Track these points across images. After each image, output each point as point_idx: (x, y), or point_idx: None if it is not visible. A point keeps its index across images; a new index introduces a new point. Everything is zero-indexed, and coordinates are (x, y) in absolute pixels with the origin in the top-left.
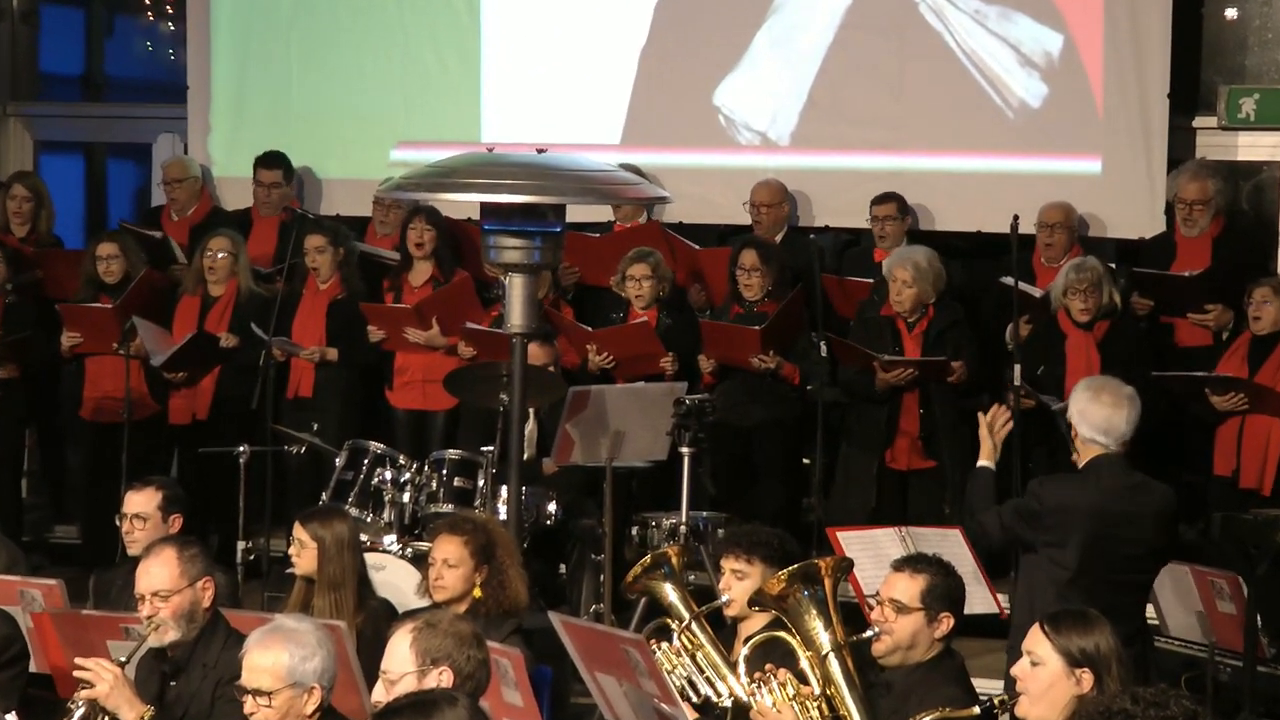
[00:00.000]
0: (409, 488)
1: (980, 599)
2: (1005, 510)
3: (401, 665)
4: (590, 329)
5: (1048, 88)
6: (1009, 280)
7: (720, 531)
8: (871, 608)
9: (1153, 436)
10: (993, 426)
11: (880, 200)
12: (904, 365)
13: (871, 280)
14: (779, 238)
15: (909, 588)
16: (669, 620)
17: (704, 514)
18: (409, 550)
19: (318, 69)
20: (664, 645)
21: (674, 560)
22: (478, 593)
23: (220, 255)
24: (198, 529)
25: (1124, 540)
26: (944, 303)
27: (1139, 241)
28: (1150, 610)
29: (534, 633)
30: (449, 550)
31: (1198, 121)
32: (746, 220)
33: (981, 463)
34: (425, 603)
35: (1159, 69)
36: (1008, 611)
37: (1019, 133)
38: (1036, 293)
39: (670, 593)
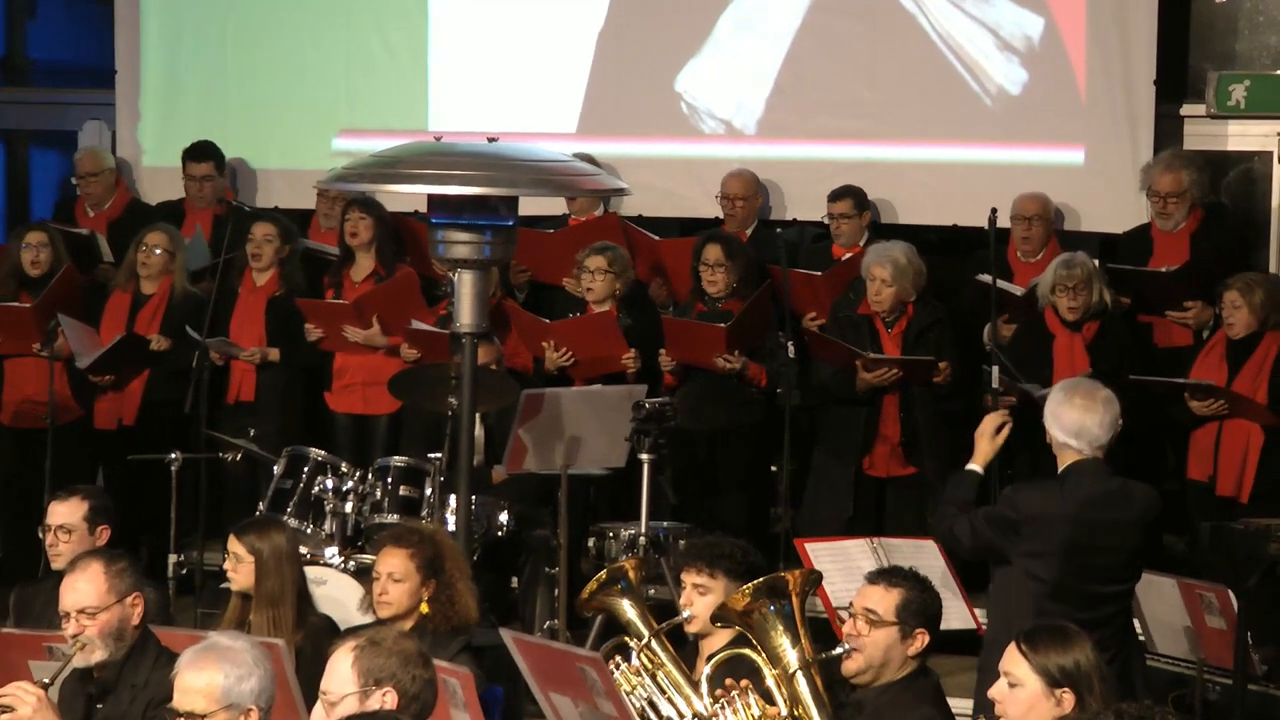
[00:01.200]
0: (352, 497)
1: (956, 614)
2: (978, 518)
3: (342, 686)
4: (547, 321)
5: (1028, 74)
6: (987, 278)
7: (681, 543)
8: (842, 622)
9: (1127, 440)
10: (987, 431)
11: (835, 196)
12: (888, 365)
13: (819, 273)
14: (749, 232)
15: (884, 599)
16: (627, 638)
17: (664, 524)
18: (352, 563)
19: (256, 52)
20: (623, 664)
21: (631, 574)
22: (425, 608)
23: (157, 251)
24: (126, 541)
25: (1105, 549)
26: (924, 301)
27: (1120, 236)
28: (1135, 625)
29: (484, 650)
30: (394, 564)
31: (1185, 109)
32: (709, 213)
33: (971, 465)
34: (369, 619)
35: (1145, 54)
36: (984, 625)
37: (998, 121)
38: (1016, 290)
39: (628, 609)
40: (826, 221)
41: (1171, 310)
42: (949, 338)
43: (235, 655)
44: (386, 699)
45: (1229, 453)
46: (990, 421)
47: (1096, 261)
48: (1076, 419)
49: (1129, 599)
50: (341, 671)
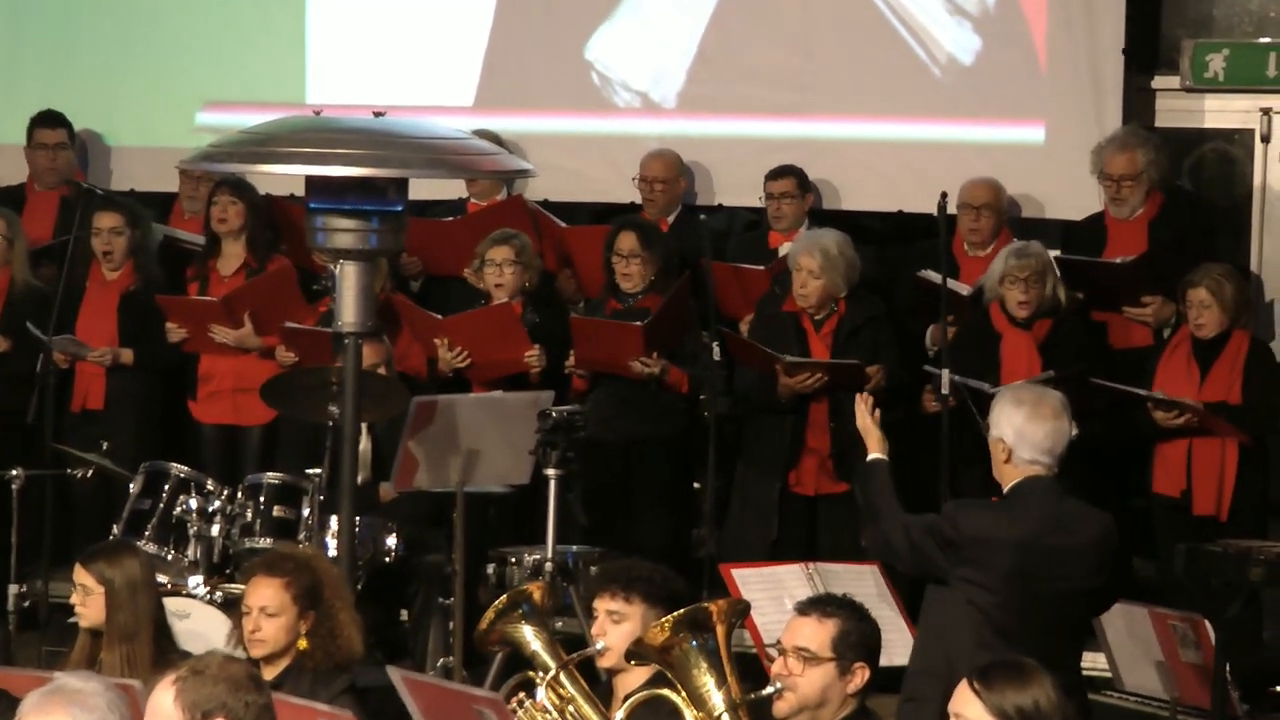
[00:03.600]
0: (218, 518)
1: (901, 647)
2: (915, 526)
3: None
4: (439, 317)
5: (981, 41)
6: (932, 275)
7: (593, 569)
8: (772, 659)
9: (1088, 451)
10: (867, 420)
11: (775, 175)
12: (810, 369)
13: (763, 267)
14: (671, 219)
15: (817, 634)
16: (532, 672)
17: (573, 548)
18: (218, 594)
19: (109, 14)
20: (526, 702)
21: (536, 598)
22: (303, 644)
23: None
24: None
25: (1056, 578)
26: (858, 296)
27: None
28: (1099, 659)
29: (370, 692)
30: (266, 595)
31: (1157, 81)
32: (625, 197)
33: (873, 455)
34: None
35: (1113, 19)
36: (913, 651)
37: (948, 94)
38: (963, 289)
39: (532, 639)
40: (763, 204)
41: (1129, 306)
42: (885, 337)
43: (86, 699)
44: None
45: (1204, 466)
46: (864, 410)
47: (1056, 252)
48: (1048, 432)
49: (1079, 637)
50: (164, 708)
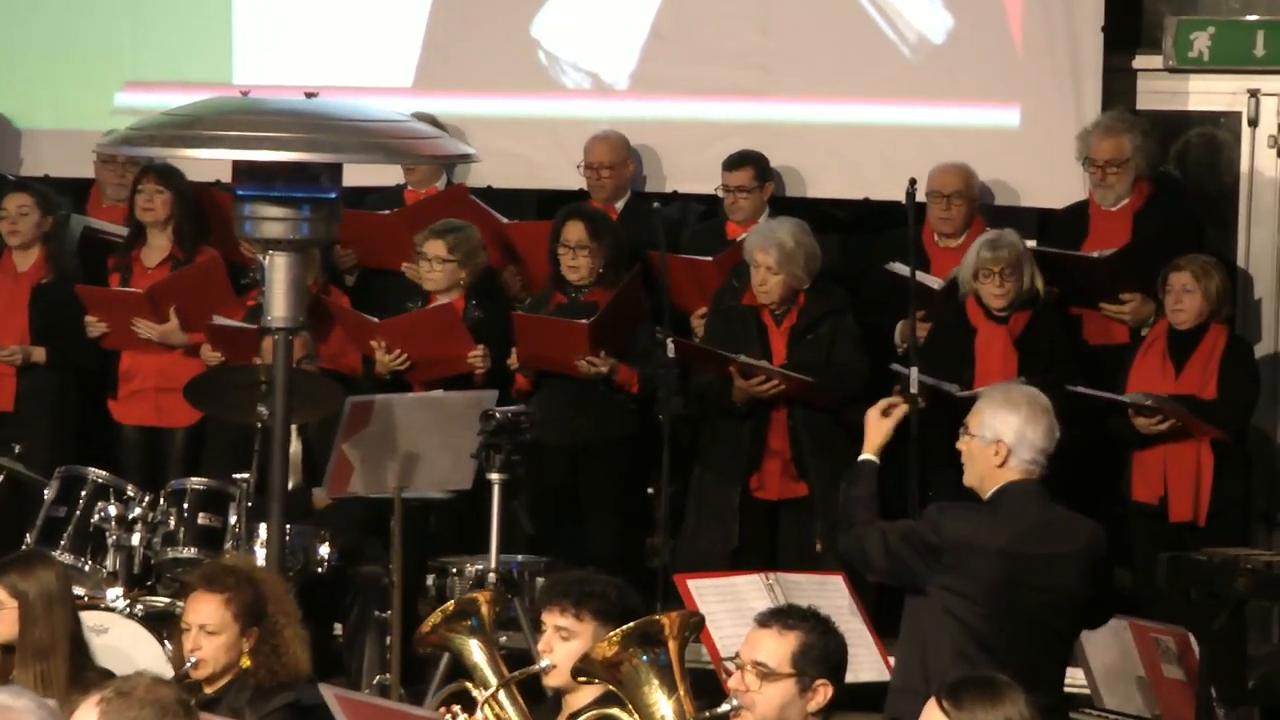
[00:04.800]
0: (139, 527)
1: (867, 663)
2: (894, 533)
3: None
4: (375, 319)
5: (954, 19)
6: (900, 268)
7: (539, 580)
8: (730, 673)
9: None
10: (874, 415)
11: (732, 164)
12: (767, 374)
13: (717, 259)
14: (619, 206)
15: (777, 648)
16: (471, 685)
17: (518, 558)
18: (139, 607)
19: None
20: (460, 715)
21: (484, 609)
22: (246, 662)
23: None
24: None
25: (1041, 589)
26: (819, 288)
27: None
28: (1078, 676)
29: (315, 710)
30: (206, 612)
31: (1139, 61)
32: (574, 184)
33: (864, 456)
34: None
35: None
36: (894, 669)
37: (918, 75)
38: (933, 282)
39: (476, 651)
40: (720, 194)
41: (1106, 303)
42: (845, 332)
43: (18, 717)
44: None
45: (1179, 471)
46: (879, 405)
47: (1032, 243)
48: (1045, 431)
49: (1066, 652)
50: None
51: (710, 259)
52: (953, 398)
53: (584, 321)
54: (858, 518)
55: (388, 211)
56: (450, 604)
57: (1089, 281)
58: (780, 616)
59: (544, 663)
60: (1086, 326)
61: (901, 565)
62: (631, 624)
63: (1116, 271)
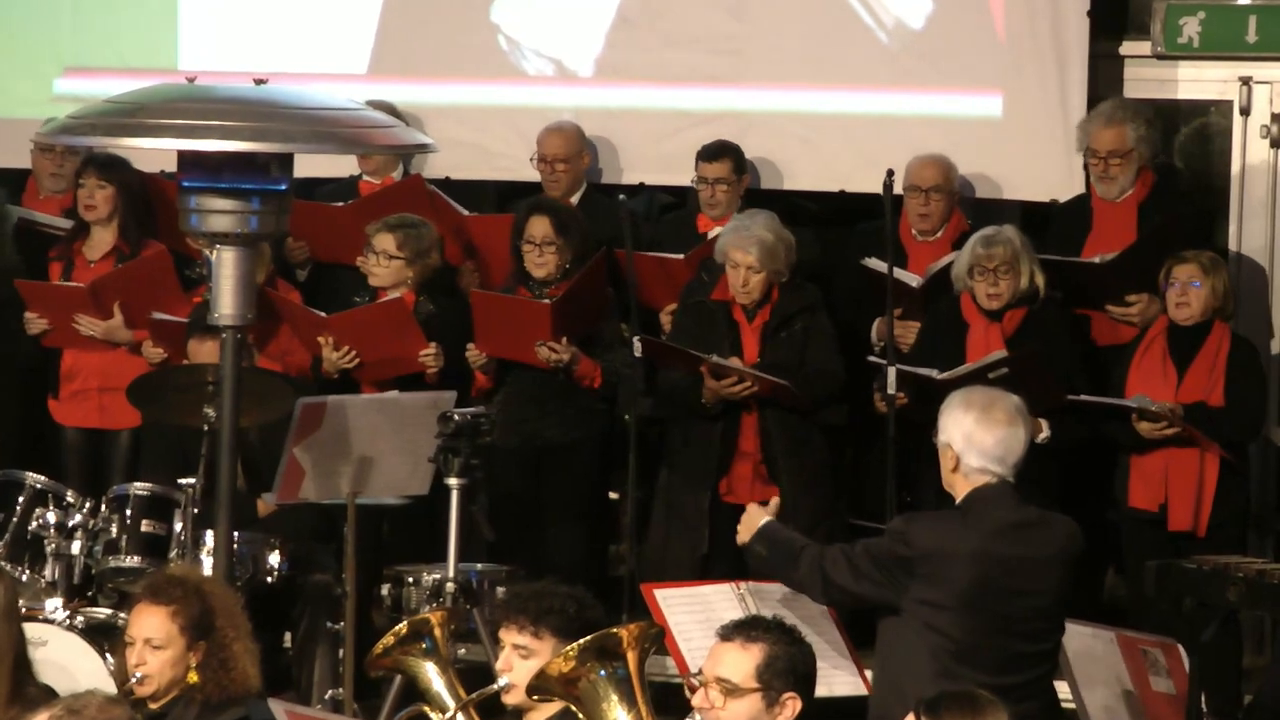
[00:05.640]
0: (80, 534)
1: (842, 674)
2: (859, 555)
3: None
4: (323, 314)
5: (933, 3)
6: (876, 264)
7: (499, 590)
8: (693, 689)
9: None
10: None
11: (711, 156)
12: (739, 375)
13: (685, 256)
14: (575, 199)
15: (740, 662)
16: (428, 708)
17: (478, 567)
18: (80, 619)
19: None
20: None
21: (437, 630)
22: (193, 677)
23: None
24: None
25: (1020, 594)
26: (792, 284)
27: (1049, 206)
28: (1061, 689)
29: None
30: (151, 626)
31: (1126, 47)
32: (535, 176)
33: (761, 524)
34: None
35: None
36: (872, 690)
37: (895, 62)
38: (911, 279)
39: (432, 674)
40: (697, 187)
41: (1112, 305)
42: (819, 330)
43: None
44: None
45: (1182, 478)
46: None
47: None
48: (1000, 438)
49: (1051, 661)
50: None
51: (681, 256)
52: (934, 383)
53: (546, 302)
54: (798, 554)
55: (341, 204)
56: (403, 625)
57: (1092, 285)
58: (743, 629)
59: (502, 681)
60: (1094, 327)
61: (872, 584)
62: (588, 638)
63: (1120, 273)
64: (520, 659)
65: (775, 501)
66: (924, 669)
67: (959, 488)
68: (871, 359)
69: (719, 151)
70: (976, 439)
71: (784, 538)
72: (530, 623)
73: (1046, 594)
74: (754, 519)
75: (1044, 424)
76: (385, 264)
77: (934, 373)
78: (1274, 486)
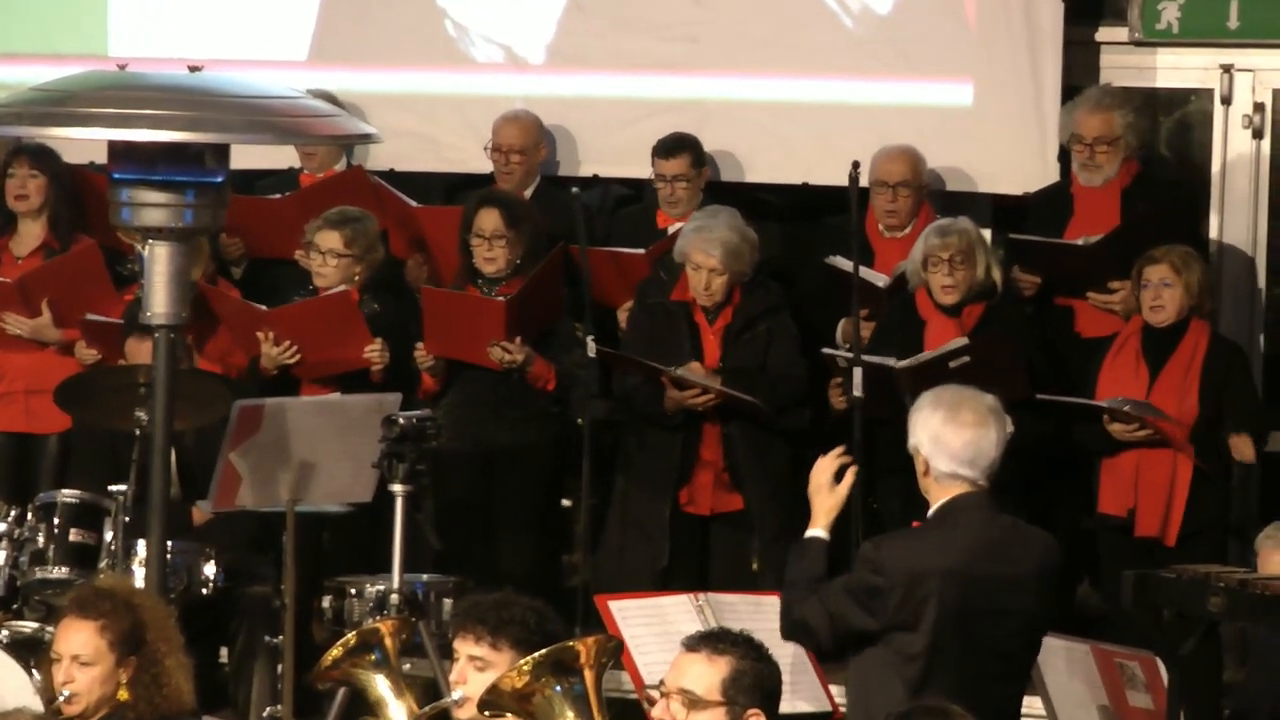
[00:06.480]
0: (5, 544)
1: (806, 692)
2: (833, 595)
3: None
4: (263, 308)
5: None
6: (842, 262)
7: (446, 602)
8: (652, 702)
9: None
10: (823, 482)
11: (667, 151)
12: (702, 388)
13: (644, 251)
14: (529, 192)
15: (705, 675)
16: None
17: (424, 578)
18: (4, 633)
19: None
20: None
21: (388, 641)
22: (124, 694)
23: None
24: None
25: (994, 614)
26: (755, 283)
27: (1022, 199)
28: (1035, 704)
29: None
30: (79, 641)
31: (1102, 33)
32: (484, 167)
33: (812, 530)
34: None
35: None
36: (843, 710)
37: (862, 49)
38: (878, 279)
39: (381, 686)
40: (655, 184)
41: (1095, 292)
42: (783, 332)
43: None
44: None
45: (1152, 483)
46: (825, 467)
47: (987, 232)
48: (969, 440)
49: (1023, 683)
50: None
51: (642, 251)
52: (892, 372)
53: (500, 300)
54: (799, 596)
55: (279, 195)
56: (351, 636)
57: (1074, 270)
58: (710, 641)
59: (456, 694)
60: (1079, 319)
61: (847, 626)
62: (543, 651)
63: (1104, 258)
64: (476, 671)
65: (851, 474)
66: (895, 690)
67: (933, 494)
68: (826, 350)
69: (676, 146)
70: (944, 441)
71: (804, 570)
72: (488, 633)
73: (1023, 613)
74: (822, 473)
75: (1007, 419)
76: (333, 263)
77: (892, 361)
78: (1255, 493)
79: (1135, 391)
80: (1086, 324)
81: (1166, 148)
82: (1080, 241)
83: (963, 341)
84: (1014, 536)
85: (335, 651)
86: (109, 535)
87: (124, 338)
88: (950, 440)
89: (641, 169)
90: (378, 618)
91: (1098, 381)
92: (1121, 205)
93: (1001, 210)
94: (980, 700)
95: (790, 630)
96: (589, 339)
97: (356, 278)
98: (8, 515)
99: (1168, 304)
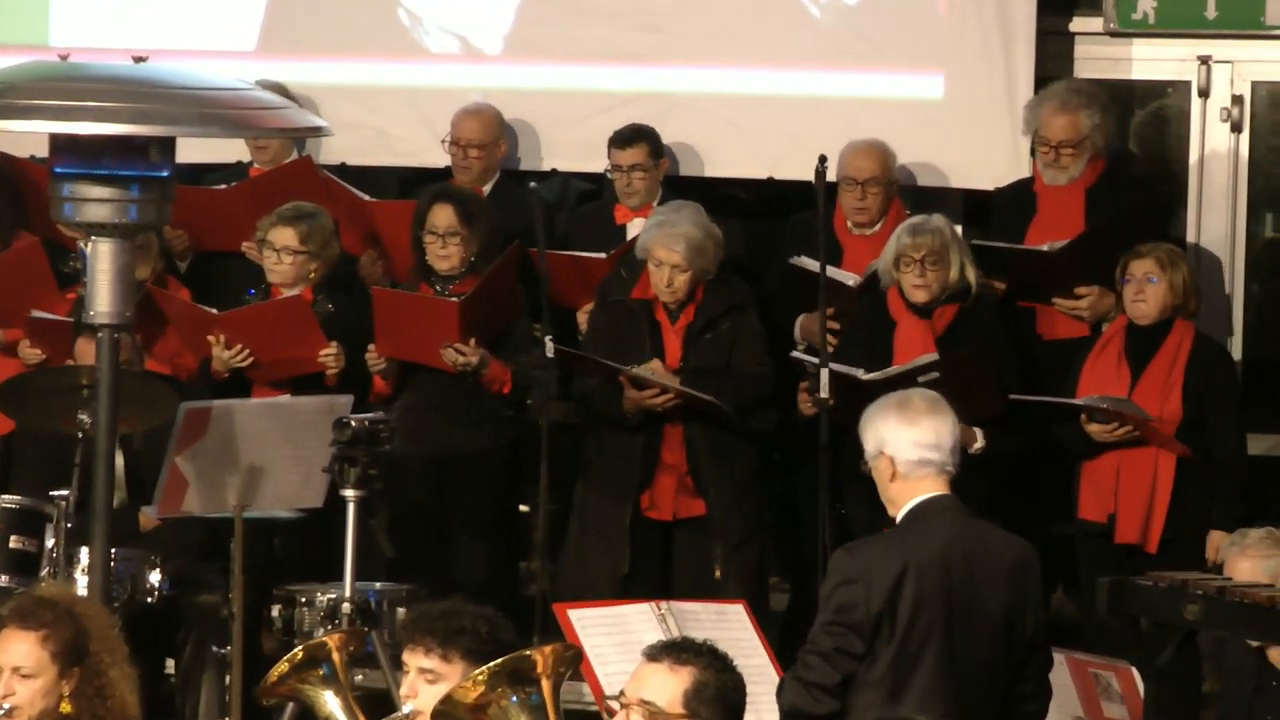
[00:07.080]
0: None
1: (771, 702)
2: (819, 640)
3: None
4: (214, 311)
5: None
6: (808, 262)
7: (400, 611)
8: (612, 713)
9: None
10: None
11: (622, 142)
12: (662, 388)
13: (605, 255)
14: (487, 188)
15: (667, 686)
16: None
17: (376, 586)
18: None
19: None
20: None
21: (335, 655)
22: (66, 707)
23: None
24: None
25: (971, 608)
26: (719, 280)
27: (993, 194)
28: None
29: None
30: (19, 653)
31: (1076, 24)
32: (439, 161)
33: None
34: None
35: None
36: None
37: (829, 39)
38: (847, 278)
39: (330, 702)
40: (611, 175)
41: (1060, 298)
42: (747, 331)
43: None
44: None
45: (1132, 487)
46: None
47: (959, 228)
48: (930, 427)
49: (1003, 686)
50: None
51: (603, 256)
52: (859, 383)
53: (453, 300)
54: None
55: (224, 186)
56: (298, 650)
57: (1039, 276)
58: (672, 651)
59: (407, 708)
60: (1039, 320)
61: (840, 658)
62: (499, 660)
63: (1070, 264)
64: (426, 683)
65: None
66: (872, 700)
67: (901, 498)
68: (794, 354)
69: (632, 136)
70: (903, 432)
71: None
72: (438, 644)
73: (1000, 611)
74: None
75: (978, 433)
76: (288, 260)
77: (860, 372)
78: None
79: (1117, 392)
80: (1047, 326)
81: (1142, 142)
82: (1045, 247)
83: (933, 357)
84: (988, 535)
85: (281, 667)
86: (50, 542)
87: (73, 337)
88: (909, 430)
89: (602, 163)
90: (327, 628)
91: (1079, 382)
92: (1086, 205)
93: (973, 207)
94: (961, 705)
95: (792, 702)
96: (547, 339)
97: (312, 275)
98: None
99: (1151, 300)
